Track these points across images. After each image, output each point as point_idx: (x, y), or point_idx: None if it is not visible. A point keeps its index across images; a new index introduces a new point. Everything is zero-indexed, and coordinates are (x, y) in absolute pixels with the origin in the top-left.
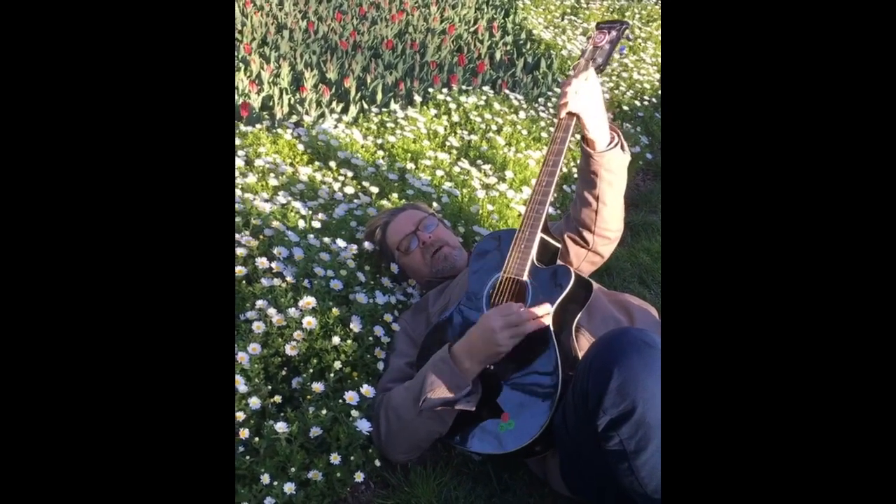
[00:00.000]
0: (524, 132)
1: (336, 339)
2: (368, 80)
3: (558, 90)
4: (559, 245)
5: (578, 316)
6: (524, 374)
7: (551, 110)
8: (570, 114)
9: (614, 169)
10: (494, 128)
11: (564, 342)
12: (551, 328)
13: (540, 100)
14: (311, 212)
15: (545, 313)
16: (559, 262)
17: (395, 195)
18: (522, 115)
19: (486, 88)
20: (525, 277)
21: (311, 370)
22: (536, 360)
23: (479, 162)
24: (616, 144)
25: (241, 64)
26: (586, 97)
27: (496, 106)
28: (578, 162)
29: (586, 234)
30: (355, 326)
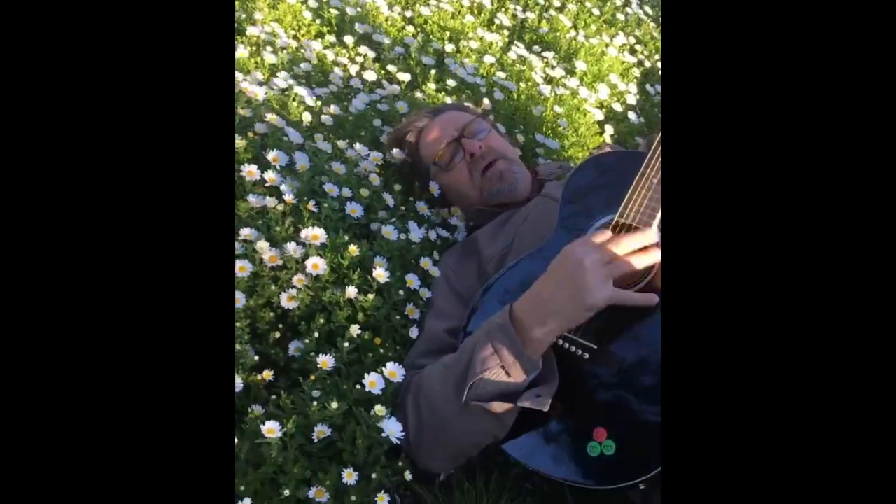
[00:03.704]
0: (595, 11)
1: (352, 291)
2: None
3: None
4: None
5: None
6: (636, 369)
7: None
8: None
9: None
10: (556, 4)
11: None
12: None
13: None
14: (319, 102)
15: (655, 241)
16: None
17: (431, 85)
18: None
19: None
20: (655, 227)
21: (317, 333)
22: (656, 349)
23: (537, 48)
24: None
25: None
26: None
27: None
28: None
29: None
30: (380, 275)
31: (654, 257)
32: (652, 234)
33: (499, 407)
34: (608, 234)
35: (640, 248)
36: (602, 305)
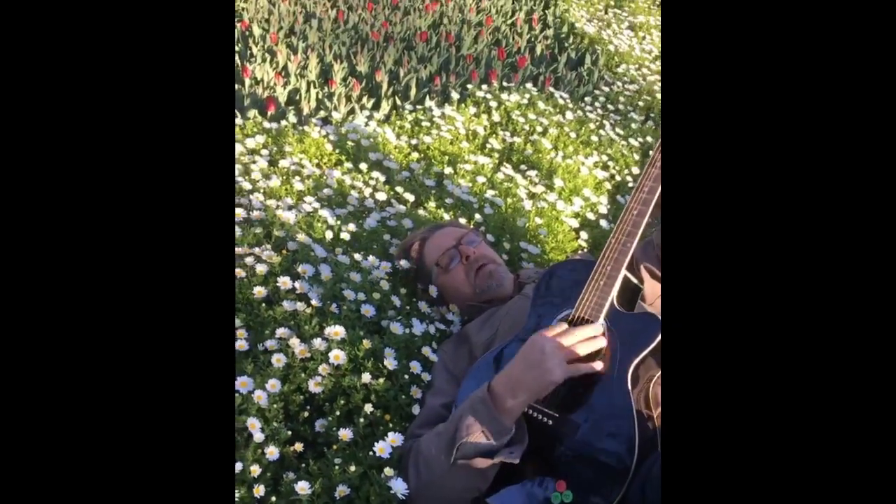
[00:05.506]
0: (572, 135)
1: (366, 377)
2: (401, 74)
3: (606, 89)
4: (642, 285)
5: (653, 370)
6: (589, 432)
7: (599, 111)
8: None
9: None
10: (539, 129)
11: (639, 401)
12: (628, 381)
13: (586, 98)
14: (339, 221)
15: (600, 332)
16: (640, 303)
17: (432, 204)
18: (569, 115)
19: (528, 86)
20: (601, 321)
21: (338, 412)
22: (605, 416)
23: (523, 167)
24: None
25: (267, 54)
26: None
27: (540, 105)
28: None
29: None
30: (389, 363)
31: (600, 343)
32: (598, 327)
33: (481, 462)
34: (564, 326)
35: (589, 338)
36: (560, 381)
